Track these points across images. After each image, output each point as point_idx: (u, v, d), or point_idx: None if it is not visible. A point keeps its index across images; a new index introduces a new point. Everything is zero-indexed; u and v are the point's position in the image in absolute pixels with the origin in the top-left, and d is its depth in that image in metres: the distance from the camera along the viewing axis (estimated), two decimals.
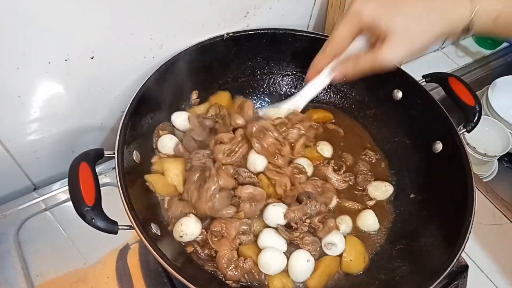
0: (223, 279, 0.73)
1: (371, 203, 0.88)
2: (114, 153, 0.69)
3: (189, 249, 0.75)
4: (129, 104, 0.75)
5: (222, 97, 0.96)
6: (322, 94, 1.04)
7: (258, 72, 1.02)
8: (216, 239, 0.75)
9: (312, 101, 0.85)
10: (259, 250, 0.76)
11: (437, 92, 1.17)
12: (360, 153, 0.96)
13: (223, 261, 0.72)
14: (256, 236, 0.78)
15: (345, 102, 1.03)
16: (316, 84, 0.78)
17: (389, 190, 0.89)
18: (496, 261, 0.94)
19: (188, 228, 0.75)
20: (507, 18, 0.60)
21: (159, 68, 0.82)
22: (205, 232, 0.77)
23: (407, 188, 0.90)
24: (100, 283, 0.78)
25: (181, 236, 0.74)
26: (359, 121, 1.02)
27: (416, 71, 0.91)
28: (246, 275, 0.74)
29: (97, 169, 0.70)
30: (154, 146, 0.85)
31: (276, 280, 0.74)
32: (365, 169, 0.92)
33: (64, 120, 0.86)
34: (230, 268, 0.72)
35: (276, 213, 0.78)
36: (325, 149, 0.93)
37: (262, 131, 0.80)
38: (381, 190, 0.89)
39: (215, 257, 0.74)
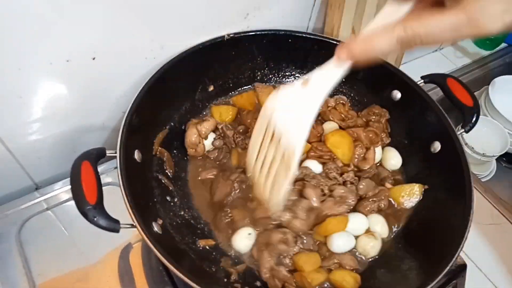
0: (226, 280, 0.74)
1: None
2: (116, 153, 0.70)
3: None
4: (130, 105, 0.76)
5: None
6: None
7: (258, 73, 1.02)
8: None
9: None
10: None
11: (435, 93, 1.18)
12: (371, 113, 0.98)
13: None
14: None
15: None
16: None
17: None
18: (494, 261, 0.94)
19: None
20: None
21: (160, 69, 0.83)
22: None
23: None
24: (102, 282, 0.78)
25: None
26: None
27: (415, 72, 0.92)
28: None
29: (99, 168, 0.70)
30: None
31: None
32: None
33: (66, 120, 0.86)
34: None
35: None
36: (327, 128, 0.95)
37: None
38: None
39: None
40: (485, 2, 0.39)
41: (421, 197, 0.85)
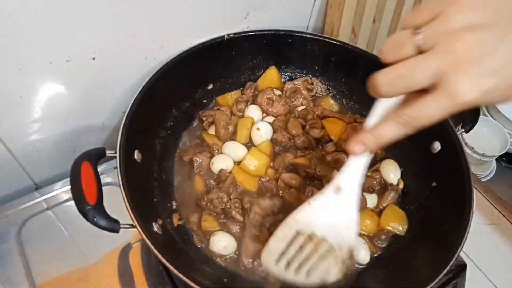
0: (225, 280, 0.74)
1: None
2: (115, 153, 0.70)
3: None
4: (130, 105, 0.76)
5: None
6: (322, 93, 1.05)
7: (258, 73, 1.02)
8: None
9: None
10: None
11: None
12: None
13: None
14: None
15: (344, 101, 1.04)
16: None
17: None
18: (494, 260, 0.94)
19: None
20: None
21: (160, 69, 0.83)
22: None
23: (405, 188, 0.90)
24: (102, 282, 0.78)
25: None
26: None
27: None
28: None
29: (99, 168, 0.70)
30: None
31: None
32: None
33: (66, 120, 0.86)
34: None
35: None
36: None
37: None
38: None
39: None
40: (460, 75, 0.41)
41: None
